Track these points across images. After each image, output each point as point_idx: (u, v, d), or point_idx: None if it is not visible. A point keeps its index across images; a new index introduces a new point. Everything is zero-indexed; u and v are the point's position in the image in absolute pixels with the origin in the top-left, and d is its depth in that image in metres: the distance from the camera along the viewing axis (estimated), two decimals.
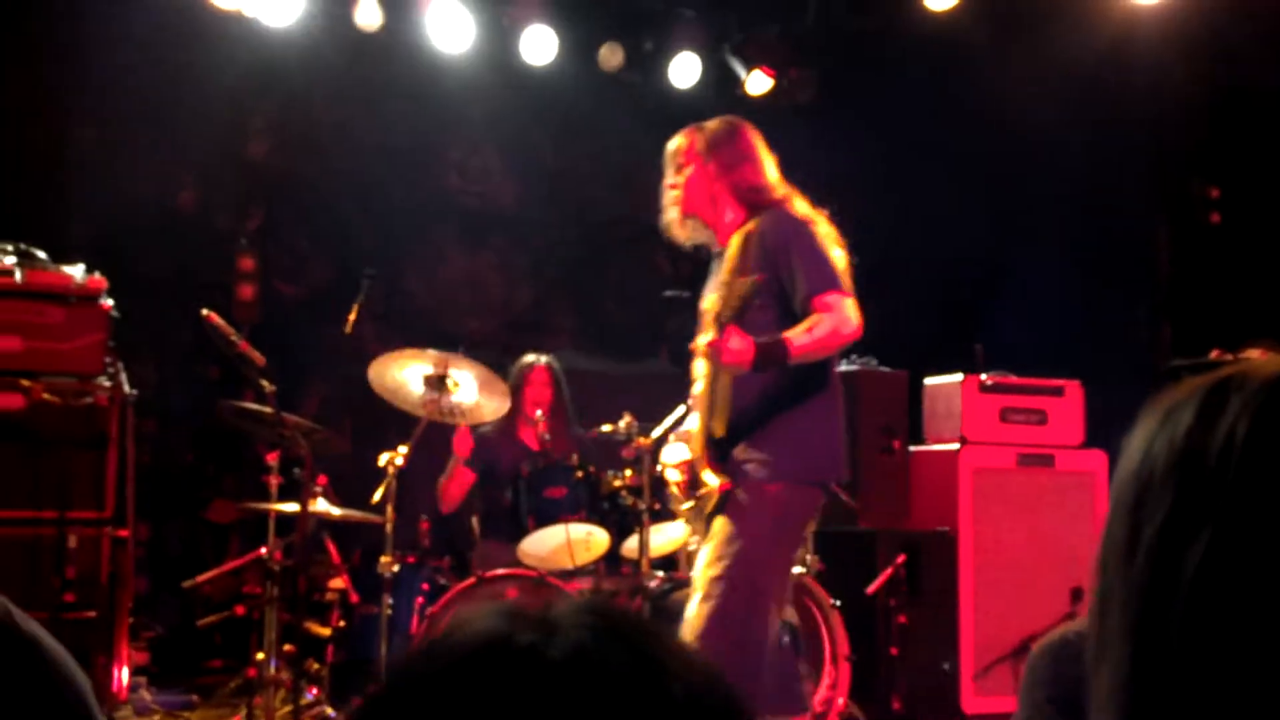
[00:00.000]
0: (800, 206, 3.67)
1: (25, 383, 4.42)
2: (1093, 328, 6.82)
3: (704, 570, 3.53)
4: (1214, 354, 4.88)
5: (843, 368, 6.20)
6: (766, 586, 3.51)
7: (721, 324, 3.35)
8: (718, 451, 3.56)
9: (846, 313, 3.50)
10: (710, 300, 3.51)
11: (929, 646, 5.45)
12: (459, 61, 6.53)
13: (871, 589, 5.23)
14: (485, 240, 7.19)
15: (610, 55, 6.74)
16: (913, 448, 6.03)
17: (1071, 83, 6.38)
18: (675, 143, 3.78)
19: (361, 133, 6.60)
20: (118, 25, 6.02)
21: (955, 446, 5.82)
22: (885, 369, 6.04)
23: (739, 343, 3.36)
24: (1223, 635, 0.80)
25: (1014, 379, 6.00)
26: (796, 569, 4.78)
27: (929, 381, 6.09)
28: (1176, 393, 0.92)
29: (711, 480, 3.53)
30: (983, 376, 5.91)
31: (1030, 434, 5.93)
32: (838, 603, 4.80)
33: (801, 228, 3.60)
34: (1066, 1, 6.15)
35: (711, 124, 3.77)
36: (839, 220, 3.63)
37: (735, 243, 3.55)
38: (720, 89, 7.15)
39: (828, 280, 3.51)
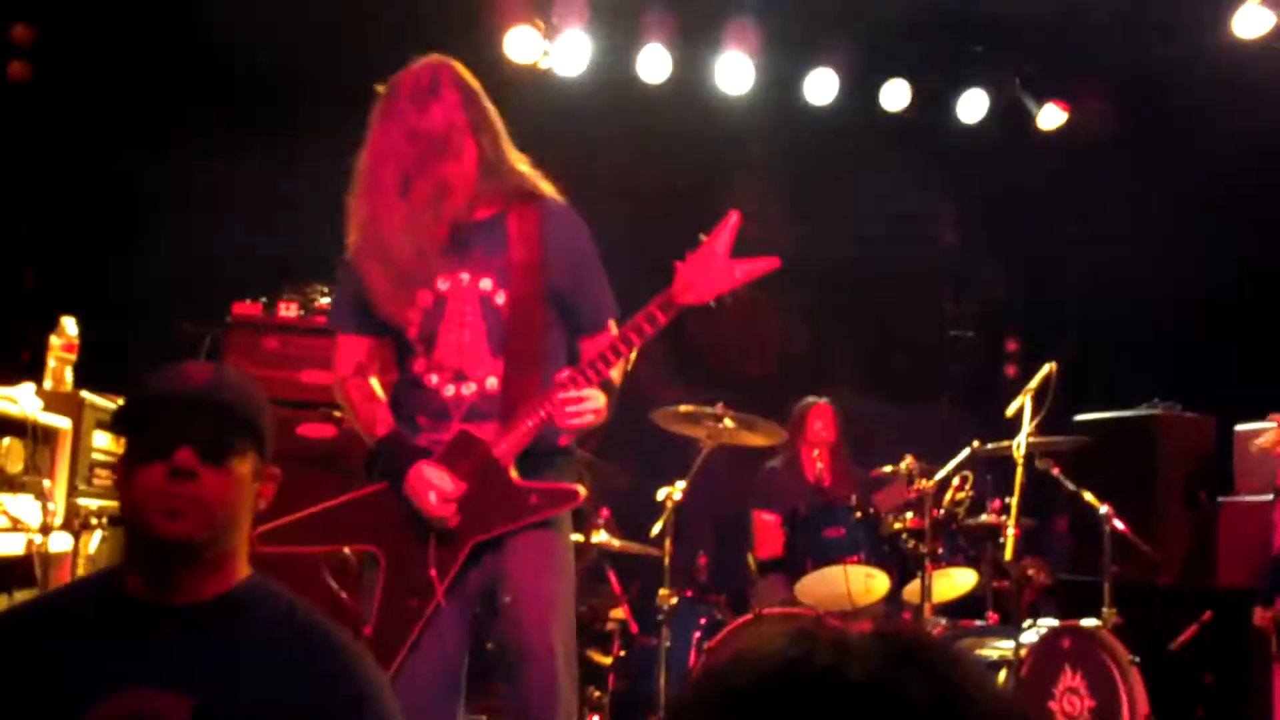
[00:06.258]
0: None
1: (338, 414, 4.74)
2: None
3: None
4: None
5: (1142, 411, 5.89)
6: None
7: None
8: None
9: None
10: None
11: (1236, 708, 5.07)
12: (739, 104, 6.63)
13: (1175, 645, 4.92)
14: (764, 282, 7.20)
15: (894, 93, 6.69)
16: (1222, 499, 5.64)
17: None
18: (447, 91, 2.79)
19: (641, 176, 6.75)
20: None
21: (1269, 498, 5.40)
22: (1191, 414, 5.68)
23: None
24: None
25: None
26: (1092, 621, 4.55)
27: (1241, 428, 5.68)
28: None
29: None
30: None
31: None
32: (1137, 659, 4.52)
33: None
34: None
35: (456, 65, 2.86)
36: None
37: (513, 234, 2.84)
38: (1008, 124, 6.95)
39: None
